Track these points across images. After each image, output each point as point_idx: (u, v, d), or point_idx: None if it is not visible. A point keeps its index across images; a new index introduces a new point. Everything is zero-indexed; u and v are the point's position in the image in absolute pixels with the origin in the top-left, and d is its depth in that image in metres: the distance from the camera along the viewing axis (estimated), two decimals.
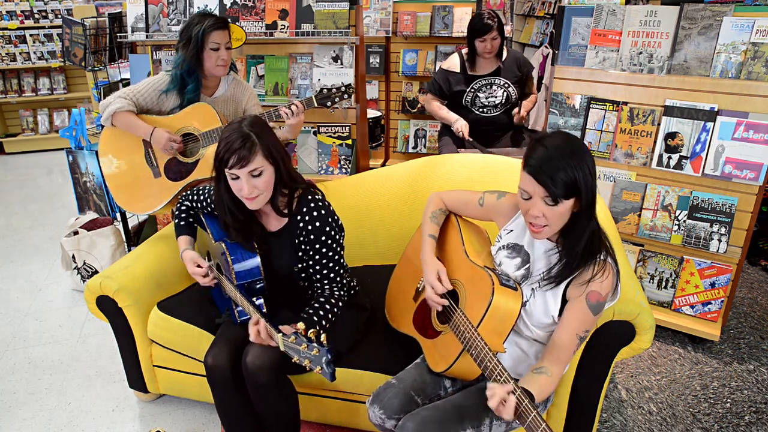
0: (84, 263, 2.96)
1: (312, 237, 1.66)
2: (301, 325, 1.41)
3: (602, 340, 1.62)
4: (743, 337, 2.60)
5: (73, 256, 2.96)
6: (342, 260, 1.74)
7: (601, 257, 1.36)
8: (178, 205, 1.95)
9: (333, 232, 1.68)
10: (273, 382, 1.61)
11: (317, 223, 1.66)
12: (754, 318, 2.75)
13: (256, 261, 1.71)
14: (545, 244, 1.44)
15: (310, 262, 1.71)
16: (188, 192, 1.94)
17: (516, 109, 3.16)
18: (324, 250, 1.68)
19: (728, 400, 2.21)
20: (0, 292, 3.05)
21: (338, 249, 1.71)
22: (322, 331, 1.41)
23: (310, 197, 1.68)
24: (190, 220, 1.93)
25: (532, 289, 1.44)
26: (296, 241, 1.70)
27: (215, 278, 1.81)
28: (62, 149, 5.50)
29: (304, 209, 1.66)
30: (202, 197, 1.89)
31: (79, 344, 2.58)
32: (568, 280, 1.37)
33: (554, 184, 1.27)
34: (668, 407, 2.17)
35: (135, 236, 3.30)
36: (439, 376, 1.57)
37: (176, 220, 1.93)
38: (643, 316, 1.58)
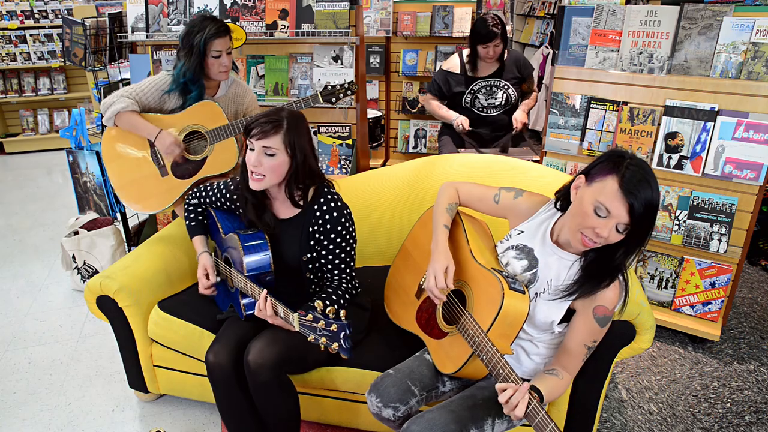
0: (84, 263, 2.96)
1: (328, 227, 1.71)
2: (319, 304, 1.42)
3: (602, 340, 1.61)
4: (743, 337, 2.60)
5: (73, 256, 2.96)
6: (353, 253, 1.78)
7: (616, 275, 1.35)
8: (186, 204, 1.96)
9: (347, 224, 1.73)
10: (274, 380, 1.62)
11: (334, 213, 1.71)
12: (755, 318, 2.75)
13: (267, 254, 1.74)
14: (564, 254, 1.43)
15: (323, 252, 1.74)
16: (196, 189, 1.96)
17: (515, 120, 3.09)
18: (338, 240, 1.72)
19: (728, 400, 2.21)
20: (0, 292, 3.05)
21: (351, 241, 1.76)
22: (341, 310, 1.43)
23: (326, 189, 1.75)
24: (200, 218, 1.95)
25: (536, 293, 1.44)
26: (310, 229, 1.73)
27: (216, 291, 1.90)
28: (62, 149, 5.50)
29: (321, 199, 1.72)
30: (211, 192, 1.91)
31: (79, 344, 2.58)
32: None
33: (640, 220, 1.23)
34: (668, 407, 2.17)
35: (135, 236, 3.30)
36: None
37: (188, 221, 1.95)
38: (644, 316, 1.58)
